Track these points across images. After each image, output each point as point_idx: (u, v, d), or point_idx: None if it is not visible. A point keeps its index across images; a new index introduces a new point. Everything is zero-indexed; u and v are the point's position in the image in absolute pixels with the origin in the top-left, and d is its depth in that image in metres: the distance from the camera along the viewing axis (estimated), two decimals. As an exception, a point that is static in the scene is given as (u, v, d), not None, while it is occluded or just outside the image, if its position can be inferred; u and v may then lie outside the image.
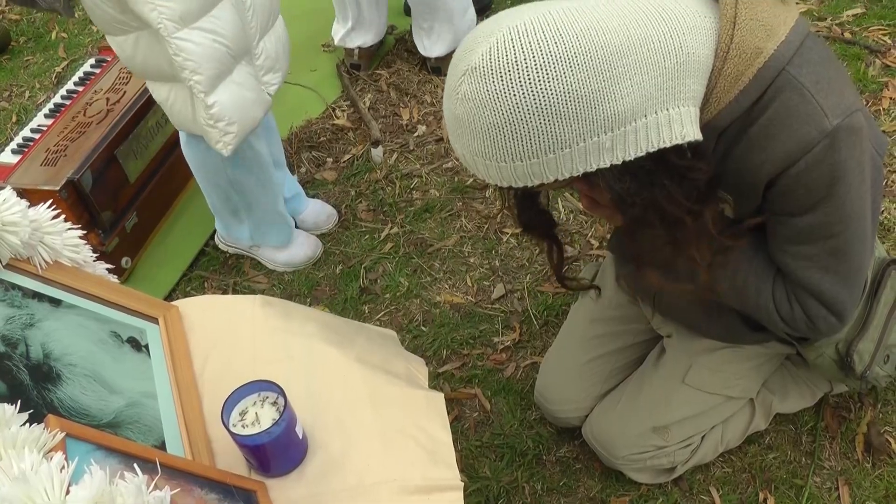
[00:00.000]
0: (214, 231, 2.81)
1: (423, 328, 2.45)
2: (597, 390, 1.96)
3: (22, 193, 2.43)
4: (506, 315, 2.44)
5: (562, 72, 1.02)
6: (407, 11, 3.58)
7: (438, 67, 3.31)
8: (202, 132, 2.19)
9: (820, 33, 3.12)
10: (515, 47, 1.03)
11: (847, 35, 3.10)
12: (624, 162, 1.10)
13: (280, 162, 2.69)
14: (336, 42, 3.45)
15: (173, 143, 2.90)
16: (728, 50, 1.14)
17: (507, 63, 1.03)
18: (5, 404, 0.98)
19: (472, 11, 3.24)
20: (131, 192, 2.81)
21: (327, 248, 2.76)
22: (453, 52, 3.16)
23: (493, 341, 2.37)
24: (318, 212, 2.81)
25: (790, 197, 1.23)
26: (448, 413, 1.41)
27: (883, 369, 1.67)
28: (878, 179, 1.35)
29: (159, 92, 2.19)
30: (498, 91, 1.04)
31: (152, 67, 2.11)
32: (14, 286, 1.28)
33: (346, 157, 3.07)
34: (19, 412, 0.99)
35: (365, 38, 3.38)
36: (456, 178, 2.88)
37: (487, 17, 3.36)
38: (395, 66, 3.45)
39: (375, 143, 3.04)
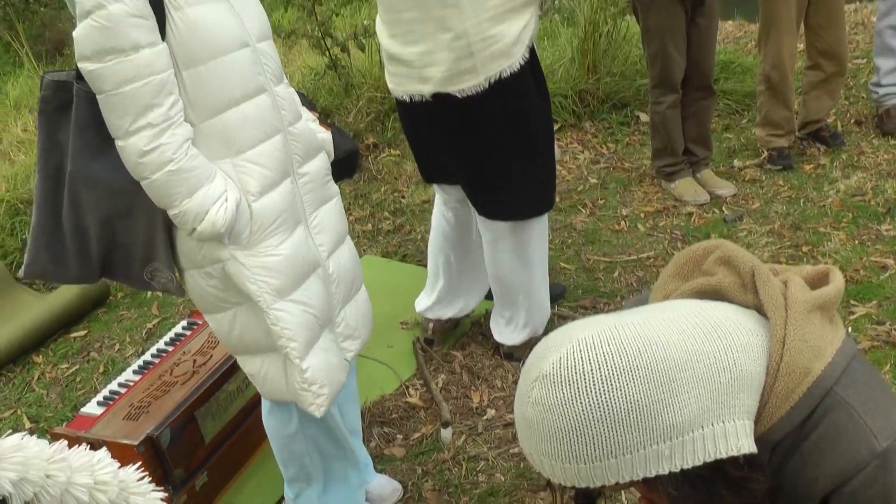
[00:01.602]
0: (282, 498, 2.85)
1: None
2: None
3: (101, 444, 2.56)
4: None
5: (625, 383, 1.11)
6: (488, 296, 3.73)
7: (511, 353, 3.41)
8: (294, 397, 2.28)
9: (879, 338, 3.16)
10: (584, 359, 1.13)
11: (906, 340, 3.10)
12: (682, 469, 1.15)
13: (355, 430, 2.76)
14: (417, 309, 3.59)
15: (251, 407, 3.02)
16: (778, 368, 1.20)
17: (576, 373, 1.12)
18: None
19: (547, 304, 3.37)
20: (206, 451, 2.89)
21: (390, 524, 2.77)
22: (526, 341, 3.31)
23: None
24: (383, 486, 2.84)
25: (846, 515, 1.26)
26: None
27: None
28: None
29: (251, 365, 2.31)
30: (566, 398, 1.13)
31: (248, 340, 2.24)
32: (95, 540, 1.35)
33: (416, 435, 3.14)
34: None
35: (445, 311, 3.51)
36: (522, 464, 2.90)
37: (559, 304, 3.55)
38: (469, 348, 3.57)
39: (445, 424, 3.10)
